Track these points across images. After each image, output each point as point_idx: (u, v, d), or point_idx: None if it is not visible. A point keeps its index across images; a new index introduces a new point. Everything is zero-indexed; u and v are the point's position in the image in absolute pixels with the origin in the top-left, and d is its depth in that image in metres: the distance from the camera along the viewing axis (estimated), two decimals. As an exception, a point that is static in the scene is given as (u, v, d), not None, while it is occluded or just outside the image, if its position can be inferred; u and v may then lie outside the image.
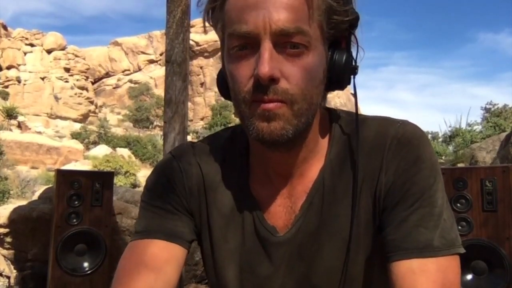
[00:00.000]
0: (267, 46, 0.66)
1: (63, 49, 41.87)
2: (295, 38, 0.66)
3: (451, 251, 0.70)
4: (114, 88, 45.75)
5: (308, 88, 0.69)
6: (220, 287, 0.83)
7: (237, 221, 0.81)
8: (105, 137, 29.35)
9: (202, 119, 39.84)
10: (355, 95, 0.77)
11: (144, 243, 0.80)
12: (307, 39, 0.67)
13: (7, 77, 38.04)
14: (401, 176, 0.73)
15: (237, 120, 0.77)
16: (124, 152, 24.00)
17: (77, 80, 41.19)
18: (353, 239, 0.75)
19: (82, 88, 41.43)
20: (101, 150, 23.69)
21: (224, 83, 0.76)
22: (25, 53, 40.65)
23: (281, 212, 0.80)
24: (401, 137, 0.75)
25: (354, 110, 0.80)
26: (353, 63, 0.75)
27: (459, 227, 2.57)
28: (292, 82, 0.67)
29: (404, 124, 0.77)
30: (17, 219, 3.68)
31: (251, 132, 0.70)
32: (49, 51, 40.96)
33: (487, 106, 9.28)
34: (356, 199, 0.75)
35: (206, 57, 41.11)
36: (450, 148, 7.57)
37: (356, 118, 0.76)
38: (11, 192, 14.56)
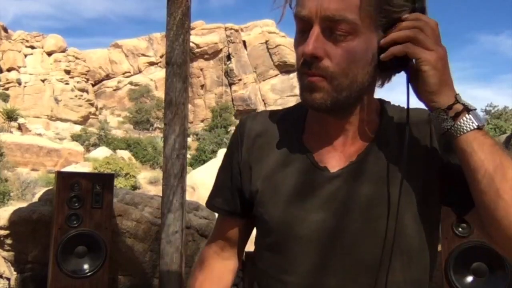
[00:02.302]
0: (315, 29, 0.77)
1: (63, 51, 41.91)
2: (341, 25, 0.76)
3: None
4: (114, 90, 45.75)
5: (351, 67, 0.79)
6: (264, 222, 0.90)
7: (291, 164, 0.90)
8: (105, 139, 29.37)
9: (202, 121, 39.83)
10: (407, 84, 0.82)
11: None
12: (352, 27, 0.76)
13: (7, 79, 38.09)
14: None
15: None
16: (125, 154, 24.01)
17: (78, 82, 41.22)
18: (402, 193, 0.81)
19: (83, 90, 41.46)
20: (102, 152, 23.70)
21: None
22: (25, 55, 40.70)
23: (334, 159, 0.88)
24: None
25: None
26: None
27: (460, 229, 2.57)
28: (334, 61, 0.78)
29: None
30: (17, 221, 3.68)
31: (300, 98, 0.84)
32: (49, 53, 41.00)
33: (488, 108, 9.29)
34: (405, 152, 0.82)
35: (206, 59, 41.04)
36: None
37: (407, 91, 0.84)
38: (12, 194, 14.57)
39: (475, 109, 0.76)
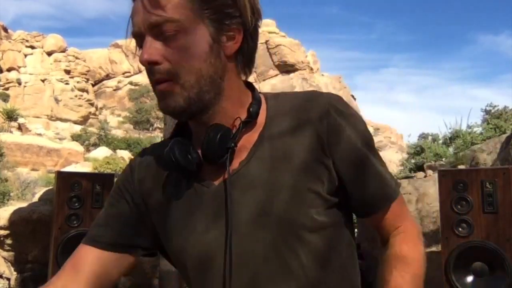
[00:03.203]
0: (147, 39, 0.80)
1: (63, 51, 41.90)
2: (166, 26, 0.79)
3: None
4: (114, 90, 45.77)
5: (190, 63, 0.80)
6: (171, 253, 0.90)
7: (178, 188, 0.89)
8: (105, 139, 29.37)
9: (202, 121, 39.69)
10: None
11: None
12: (177, 25, 0.79)
13: (7, 79, 38.08)
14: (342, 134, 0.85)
15: None
16: (125, 154, 24.00)
17: (78, 82, 41.22)
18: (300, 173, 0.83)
19: (83, 90, 41.46)
20: (102, 152, 23.70)
21: None
22: (25, 55, 40.70)
23: (217, 171, 0.86)
24: (334, 101, 0.87)
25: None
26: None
27: (460, 229, 2.57)
28: (172, 62, 0.80)
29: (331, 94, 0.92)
30: (17, 221, 3.68)
31: (159, 109, 0.85)
32: (49, 53, 41.01)
33: (487, 108, 9.25)
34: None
35: (206, 59, 41.12)
36: (451, 149, 7.56)
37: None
38: (12, 194, 14.56)
39: None
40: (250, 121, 0.86)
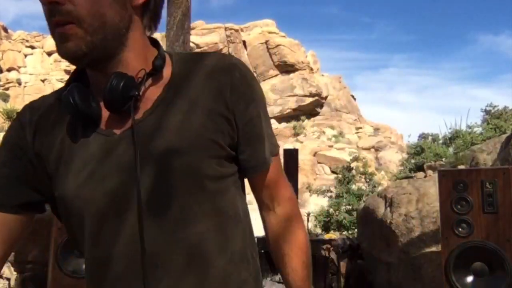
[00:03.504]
0: None
1: (63, 51, 41.84)
2: None
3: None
4: (114, 90, 45.72)
5: (95, 7, 0.78)
6: (62, 202, 0.85)
7: (78, 136, 0.86)
8: (105, 139, 29.35)
9: (202, 121, 39.70)
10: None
11: None
12: None
13: (7, 79, 38.10)
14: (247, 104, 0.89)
15: None
16: (125, 154, 23.99)
17: (78, 82, 41.19)
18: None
19: (83, 90, 41.43)
20: (102, 152, 23.68)
21: None
22: (25, 55, 40.71)
23: (119, 120, 0.85)
24: (239, 63, 0.91)
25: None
26: None
27: (460, 229, 2.57)
28: (76, 3, 0.77)
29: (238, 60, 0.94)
30: (17, 221, 3.67)
31: (58, 53, 0.81)
32: (49, 53, 41.00)
33: (487, 108, 9.26)
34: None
35: (206, 59, 41.14)
36: (451, 149, 7.56)
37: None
38: (12, 194, 14.54)
39: None
40: (154, 74, 0.86)
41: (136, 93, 0.82)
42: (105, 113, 0.85)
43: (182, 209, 0.81)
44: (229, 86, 0.87)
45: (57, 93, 0.92)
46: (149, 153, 0.81)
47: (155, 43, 0.91)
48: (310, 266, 0.99)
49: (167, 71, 0.88)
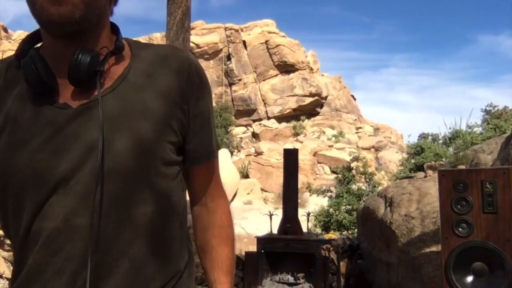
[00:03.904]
0: None
1: (63, 51, 41.81)
2: None
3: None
4: (114, 90, 45.69)
5: None
6: (7, 176, 0.83)
7: (30, 107, 0.84)
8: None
9: (202, 121, 39.63)
10: None
11: None
12: None
13: (7, 79, 38.10)
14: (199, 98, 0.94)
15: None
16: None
17: (78, 82, 41.18)
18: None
19: (83, 90, 41.41)
20: (102, 152, 23.66)
21: None
22: (25, 55, 40.72)
23: (77, 93, 0.85)
24: (194, 59, 0.96)
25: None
26: None
27: (460, 229, 2.57)
28: None
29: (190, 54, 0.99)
30: (17, 221, 3.67)
31: (41, 17, 0.79)
32: (49, 53, 41.01)
33: (487, 108, 9.27)
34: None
35: (206, 59, 41.09)
36: (451, 149, 7.57)
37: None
38: (12, 194, 14.53)
39: None
40: (116, 53, 0.89)
41: (102, 68, 0.84)
42: (61, 86, 0.85)
43: (132, 188, 0.83)
44: (185, 78, 0.91)
45: (6, 62, 0.91)
46: (112, 129, 0.82)
47: (114, 26, 0.95)
48: (235, 262, 1.06)
49: (126, 54, 0.92)
